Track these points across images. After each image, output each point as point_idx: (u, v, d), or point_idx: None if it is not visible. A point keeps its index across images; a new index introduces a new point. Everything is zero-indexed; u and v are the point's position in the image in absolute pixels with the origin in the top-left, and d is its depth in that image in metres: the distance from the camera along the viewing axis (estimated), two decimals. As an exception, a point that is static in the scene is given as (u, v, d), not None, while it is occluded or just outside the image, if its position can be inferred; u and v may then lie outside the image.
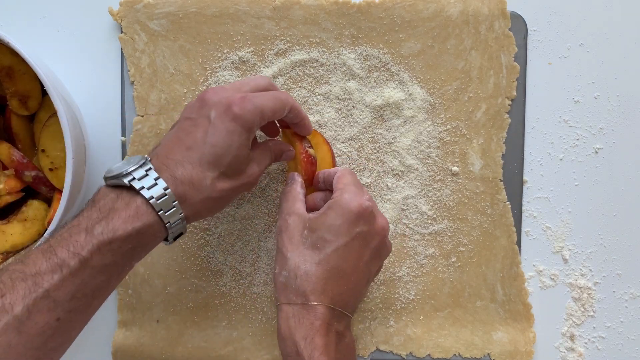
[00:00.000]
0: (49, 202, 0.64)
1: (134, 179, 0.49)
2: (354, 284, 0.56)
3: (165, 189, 0.49)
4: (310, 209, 0.60)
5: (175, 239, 0.52)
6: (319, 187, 0.63)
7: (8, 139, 0.63)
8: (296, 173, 0.62)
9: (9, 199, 0.62)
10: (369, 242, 0.57)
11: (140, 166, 0.50)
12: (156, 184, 0.49)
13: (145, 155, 0.52)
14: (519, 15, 0.68)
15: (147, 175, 0.50)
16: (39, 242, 0.56)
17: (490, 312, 0.69)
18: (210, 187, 0.52)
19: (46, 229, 0.57)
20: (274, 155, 0.60)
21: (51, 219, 0.56)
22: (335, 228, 0.56)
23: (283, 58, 0.66)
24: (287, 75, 0.66)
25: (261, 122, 0.54)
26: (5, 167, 0.62)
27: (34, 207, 0.63)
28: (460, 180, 0.68)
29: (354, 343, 0.58)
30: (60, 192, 0.61)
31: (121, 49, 0.66)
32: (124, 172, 0.50)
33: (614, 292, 0.70)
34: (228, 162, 0.52)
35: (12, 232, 0.62)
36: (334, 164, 0.66)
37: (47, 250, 0.46)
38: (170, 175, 0.50)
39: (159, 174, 0.50)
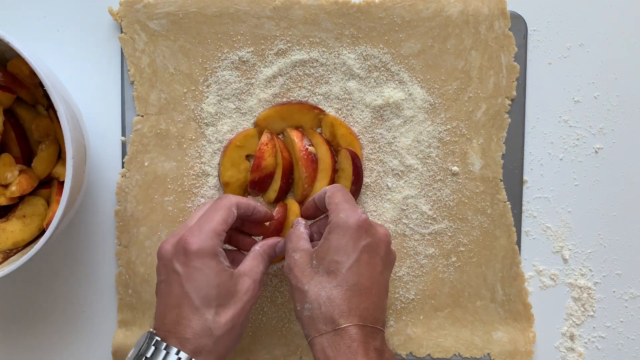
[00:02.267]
0: (45, 195, 0.64)
1: (146, 359, 0.52)
2: (377, 297, 0.56)
3: (177, 353, 0.52)
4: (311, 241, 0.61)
5: None
6: (316, 214, 0.63)
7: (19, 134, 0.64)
8: (300, 218, 0.62)
9: (15, 192, 0.61)
10: (377, 252, 0.56)
11: (147, 344, 0.53)
12: (168, 352, 0.52)
13: (150, 329, 0.54)
14: (519, 15, 0.68)
15: (156, 349, 0.52)
16: (40, 242, 0.56)
17: (490, 312, 0.69)
18: (215, 325, 0.53)
19: (48, 224, 0.57)
20: (267, 256, 0.59)
21: (51, 220, 0.56)
22: (342, 248, 0.55)
23: (283, 58, 0.66)
24: (287, 75, 0.66)
25: (220, 239, 0.55)
26: (17, 162, 0.62)
27: (31, 204, 0.63)
28: (460, 180, 0.68)
29: (394, 358, 0.57)
30: (60, 194, 0.61)
31: (121, 49, 0.66)
32: (133, 359, 0.53)
33: (614, 292, 0.70)
34: (216, 294, 0.54)
35: (13, 230, 0.62)
36: (334, 163, 0.66)
37: None
38: (178, 338, 0.53)
39: (167, 341, 0.53)
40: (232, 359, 0.67)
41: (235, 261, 0.61)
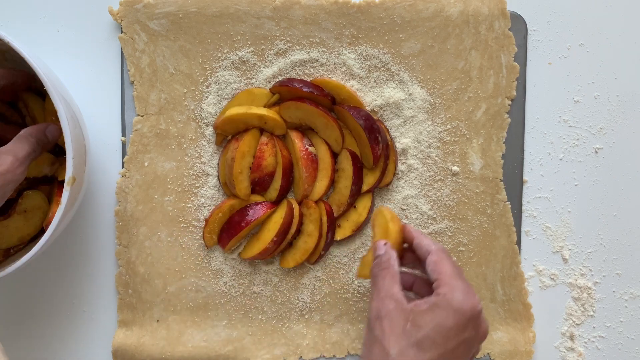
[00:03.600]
0: (45, 192, 0.65)
1: None
2: None
3: None
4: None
5: None
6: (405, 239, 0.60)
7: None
8: (386, 242, 0.58)
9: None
10: (471, 348, 0.54)
11: None
12: None
13: None
14: (519, 15, 0.68)
15: None
16: (40, 242, 0.56)
17: (490, 311, 0.69)
18: None
19: (48, 224, 0.57)
20: (34, 139, 0.58)
21: (51, 220, 0.56)
22: (445, 331, 0.51)
23: (283, 58, 0.66)
24: (287, 75, 0.66)
25: None
26: None
27: (31, 198, 0.63)
28: (460, 180, 0.68)
29: None
30: (60, 193, 0.61)
31: (121, 49, 0.66)
32: None
33: (614, 292, 0.70)
34: None
35: (16, 226, 0.62)
36: (334, 163, 0.66)
37: None
38: None
39: None
40: (232, 358, 0.67)
41: None
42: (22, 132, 0.57)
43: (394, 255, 0.57)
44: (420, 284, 0.59)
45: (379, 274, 0.56)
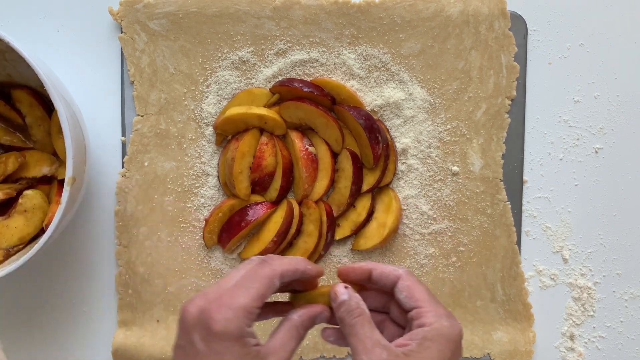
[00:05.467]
0: (45, 192, 0.65)
1: None
2: None
3: None
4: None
5: None
6: (352, 280, 0.50)
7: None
8: (347, 286, 0.49)
9: (10, 192, 0.62)
10: None
11: None
12: None
13: None
14: (519, 15, 0.68)
15: None
16: (40, 242, 0.56)
17: (490, 311, 0.69)
18: None
19: (48, 224, 0.57)
20: (304, 330, 0.48)
21: (51, 220, 0.56)
22: None
23: (283, 58, 0.66)
24: (287, 75, 0.66)
25: (251, 317, 0.45)
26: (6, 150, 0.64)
27: (30, 197, 0.63)
28: (460, 180, 0.68)
29: None
30: (60, 193, 0.61)
31: (121, 49, 0.66)
32: None
33: (614, 292, 0.70)
34: None
35: (17, 225, 0.62)
36: (334, 163, 0.66)
37: None
38: None
39: None
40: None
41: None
42: (296, 318, 0.48)
43: (360, 299, 0.48)
44: (388, 325, 0.52)
45: (355, 322, 0.48)
